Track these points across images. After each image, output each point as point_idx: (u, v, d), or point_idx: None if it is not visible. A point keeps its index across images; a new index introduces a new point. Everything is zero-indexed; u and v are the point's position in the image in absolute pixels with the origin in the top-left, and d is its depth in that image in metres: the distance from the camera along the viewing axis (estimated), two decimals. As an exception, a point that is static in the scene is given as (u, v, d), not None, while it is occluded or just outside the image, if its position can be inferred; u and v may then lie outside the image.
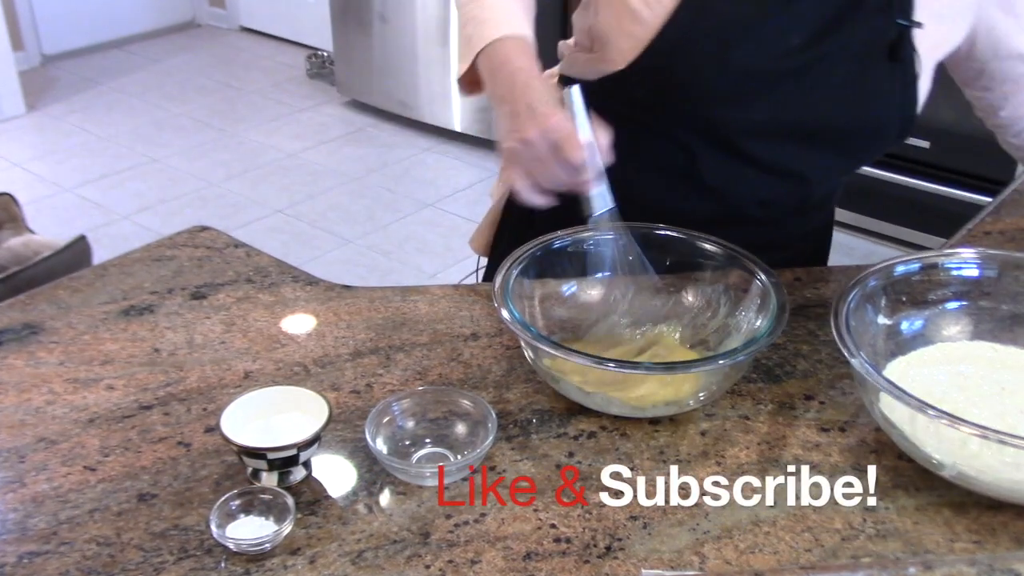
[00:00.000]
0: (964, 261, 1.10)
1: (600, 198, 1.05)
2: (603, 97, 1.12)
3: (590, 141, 1.01)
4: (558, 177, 1.02)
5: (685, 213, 1.19)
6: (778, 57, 1.15)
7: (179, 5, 5.58)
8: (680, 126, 1.20)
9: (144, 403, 1.03)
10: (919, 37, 1.17)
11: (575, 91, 1.02)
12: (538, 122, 1.00)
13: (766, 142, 1.19)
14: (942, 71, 1.27)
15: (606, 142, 1.03)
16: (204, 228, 1.37)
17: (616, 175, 1.05)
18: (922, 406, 0.86)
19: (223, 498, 0.88)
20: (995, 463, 0.87)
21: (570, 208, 1.07)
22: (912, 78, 1.20)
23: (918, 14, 1.16)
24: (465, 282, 1.43)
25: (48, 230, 2.83)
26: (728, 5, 1.14)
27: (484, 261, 1.48)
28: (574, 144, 1.00)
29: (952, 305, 1.09)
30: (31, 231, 2.45)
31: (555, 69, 1.34)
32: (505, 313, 1.01)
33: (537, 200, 1.03)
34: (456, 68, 1.16)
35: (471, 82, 1.15)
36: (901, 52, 1.17)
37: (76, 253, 2.25)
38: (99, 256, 2.14)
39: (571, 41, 1.32)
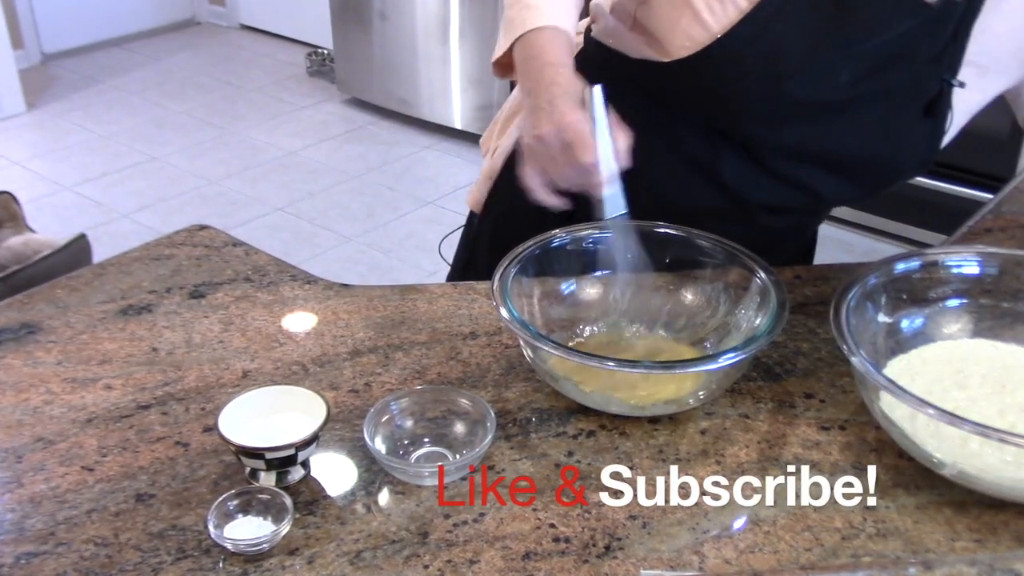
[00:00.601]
0: (965, 259, 1.10)
1: (612, 202, 1.03)
2: (639, 72, 1.11)
3: (606, 143, 1.00)
4: (569, 177, 1.01)
5: (690, 200, 1.18)
6: (824, 91, 1.14)
7: (179, 3, 5.58)
8: (710, 125, 1.20)
9: (142, 403, 1.03)
10: (957, 95, 1.18)
11: (596, 91, 1.01)
12: (554, 120, 0.99)
13: (789, 161, 1.20)
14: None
15: (624, 145, 1.01)
16: (203, 227, 1.37)
17: (633, 150, 1.03)
18: (922, 404, 0.86)
19: (221, 498, 0.88)
20: (996, 462, 0.87)
21: (575, 200, 1.05)
22: (940, 132, 1.20)
23: (963, 72, 1.16)
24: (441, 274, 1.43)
25: (48, 229, 2.83)
26: (790, 33, 1.10)
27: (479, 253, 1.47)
28: (586, 145, 0.99)
29: (953, 303, 1.09)
30: (31, 230, 2.44)
31: (586, 23, 1.32)
32: (504, 312, 1.00)
33: (549, 200, 1.03)
34: (497, 47, 1.14)
35: (505, 64, 1.14)
36: (938, 109, 1.18)
37: (76, 252, 2.24)
38: (99, 254, 2.14)
39: (605, 4, 1.28)
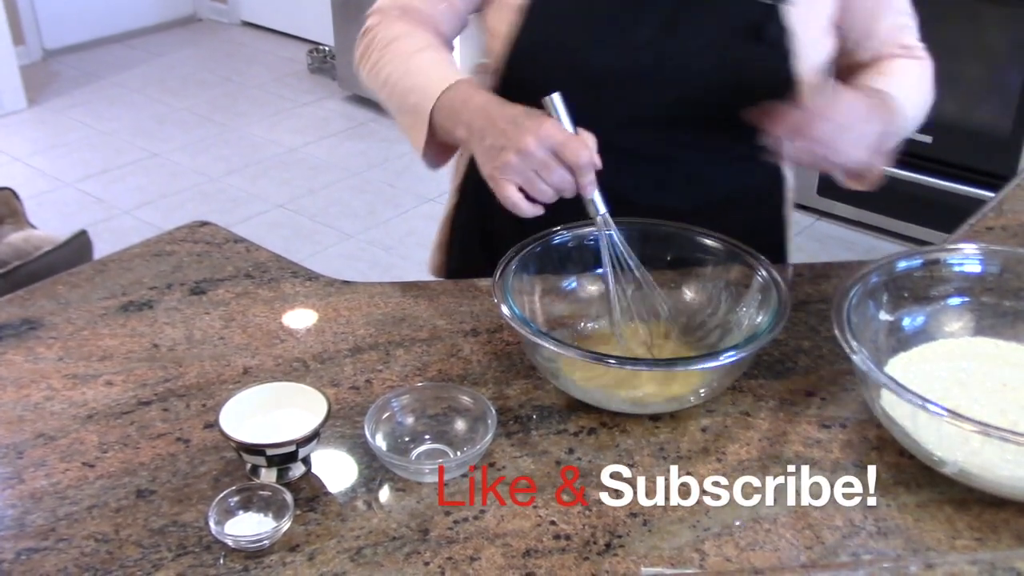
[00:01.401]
0: (966, 257, 1.10)
1: (600, 200, 1.04)
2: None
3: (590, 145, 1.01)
4: (563, 180, 1.01)
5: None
6: (629, 54, 1.16)
7: (180, 0, 5.57)
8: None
9: (143, 399, 1.03)
10: (794, 13, 1.16)
11: (557, 98, 1.02)
12: (531, 131, 1.00)
13: (637, 134, 1.19)
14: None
15: (594, 144, 1.02)
16: (204, 223, 1.37)
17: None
18: (923, 403, 0.86)
19: (222, 495, 0.88)
20: (997, 460, 0.87)
21: (525, 221, 1.06)
22: (783, 55, 1.18)
23: None
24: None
25: (49, 225, 2.83)
26: (569, 11, 1.16)
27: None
28: (577, 144, 1.00)
29: (954, 301, 1.09)
30: (32, 226, 2.44)
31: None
32: (505, 309, 1.00)
33: (534, 210, 1.03)
34: (415, 141, 1.17)
35: (437, 151, 1.18)
36: (765, 33, 1.16)
37: (77, 248, 2.24)
38: (100, 251, 2.14)
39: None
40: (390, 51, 1.21)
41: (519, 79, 1.21)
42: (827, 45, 1.24)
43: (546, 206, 1.04)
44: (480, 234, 1.38)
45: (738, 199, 1.33)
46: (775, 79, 1.19)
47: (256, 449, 0.90)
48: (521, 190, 1.02)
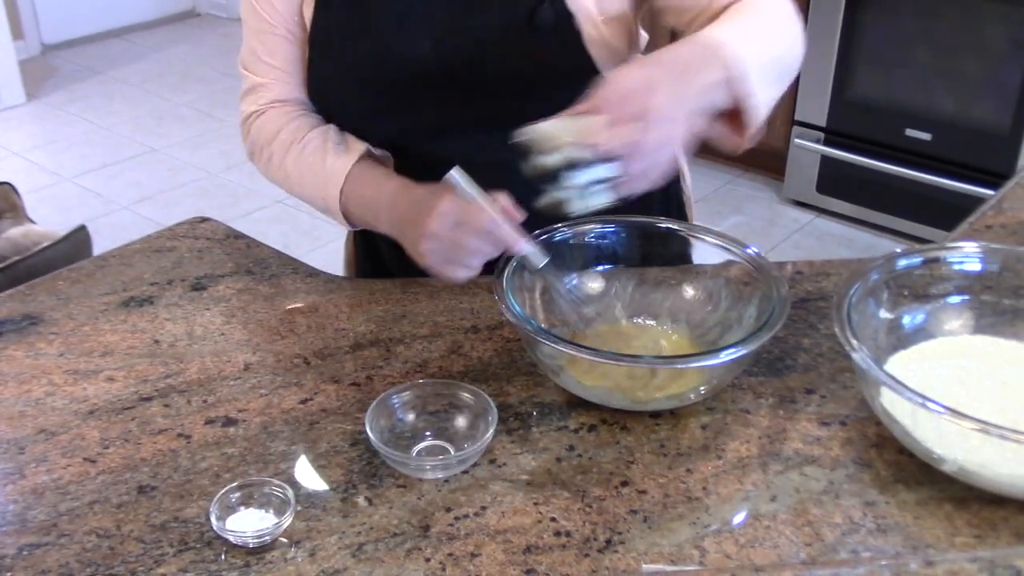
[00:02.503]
0: (966, 255, 1.10)
1: (534, 254, 1.05)
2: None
3: (492, 207, 1.02)
4: (480, 249, 1.03)
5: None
6: (413, 64, 1.16)
7: (179, -6, 5.57)
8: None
9: (144, 395, 1.03)
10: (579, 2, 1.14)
11: (455, 172, 1.03)
12: (432, 213, 1.02)
13: (447, 142, 1.19)
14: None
15: (507, 201, 1.03)
16: (204, 219, 1.37)
17: None
18: (923, 400, 0.86)
19: (223, 490, 0.88)
20: (996, 458, 0.87)
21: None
22: (571, 36, 1.15)
23: None
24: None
25: (48, 220, 2.83)
26: (346, 35, 1.17)
27: None
28: (475, 211, 1.01)
29: (954, 299, 1.09)
30: (31, 221, 2.44)
31: None
32: (506, 306, 1.00)
33: (472, 275, 1.06)
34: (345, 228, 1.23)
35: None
36: (537, 19, 1.13)
37: (76, 243, 2.24)
38: (99, 246, 2.14)
39: None
40: (275, 148, 1.23)
41: (327, 104, 1.24)
42: (621, 23, 1.19)
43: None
44: (373, 257, 1.41)
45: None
46: (568, 64, 1.17)
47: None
48: None
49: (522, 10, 1.14)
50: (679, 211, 1.41)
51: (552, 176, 0.97)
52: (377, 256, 1.39)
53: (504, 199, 1.03)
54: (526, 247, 1.04)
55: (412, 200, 1.09)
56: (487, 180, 1.05)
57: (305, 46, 1.22)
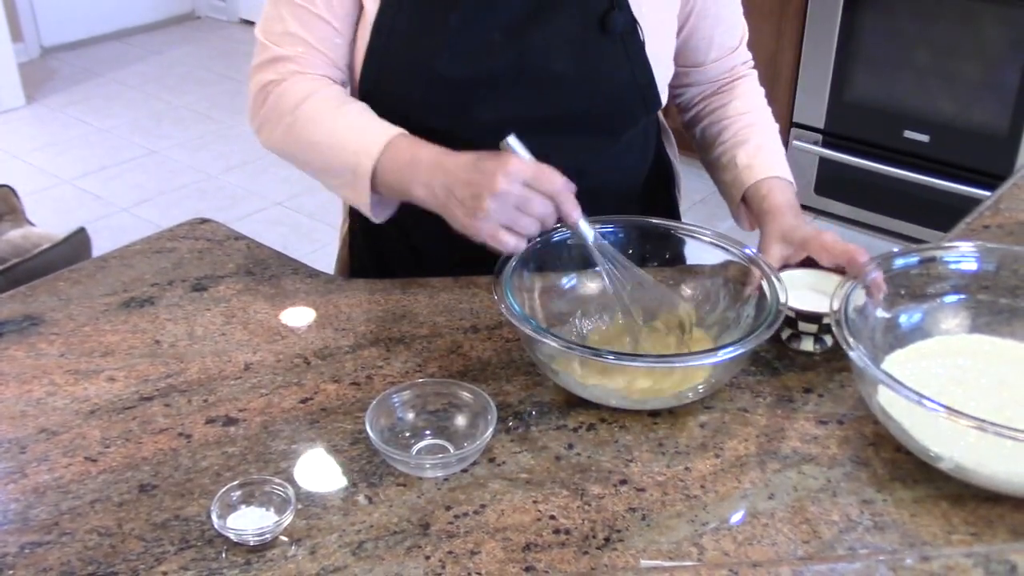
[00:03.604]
0: (963, 255, 1.11)
1: (589, 228, 1.05)
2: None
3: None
4: (544, 211, 1.02)
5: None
6: (483, 59, 1.16)
7: (179, -3, 5.58)
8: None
9: (145, 394, 1.03)
10: (637, 5, 1.18)
11: (512, 139, 1.03)
12: (498, 171, 1.00)
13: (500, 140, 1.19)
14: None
15: (561, 174, 1.02)
16: (204, 220, 1.37)
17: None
18: (920, 399, 0.87)
19: (224, 489, 0.88)
20: (993, 455, 0.88)
21: (417, 247, 1.09)
22: (637, 46, 1.19)
23: None
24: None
25: (47, 222, 2.83)
26: (416, 22, 1.16)
27: None
28: (549, 172, 1.01)
29: (950, 298, 1.09)
30: (30, 223, 2.45)
31: None
32: (505, 306, 1.01)
33: (523, 245, 1.03)
34: (355, 199, 1.16)
35: (382, 205, 1.17)
36: (611, 23, 1.16)
37: (75, 245, 2.25)
38: (98, 248, 2.14)
39: None
40: (305, 111, 1.17)
41: (379, 94, 1.20)
42: (672, 39, 1.25)
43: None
44: (374, 261, 1.39)
45: (622, 194, 1.34)
46: (630, 71, 1.20)
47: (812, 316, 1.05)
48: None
49: (593, 14, 1.16)
50: (669, 209, 1.45)
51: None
52: (380, 257, 1.39)
53: (553, 168, 1.02)
54: (582, 221, 1.04)
55: (465, 162, 1.05)
56: None
57: (344, 29, 1.19)
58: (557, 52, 1.17)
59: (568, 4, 1.17)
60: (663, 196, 1.44)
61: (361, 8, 1.18)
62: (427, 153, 1.09)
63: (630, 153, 1.33)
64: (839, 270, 1.09)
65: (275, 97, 1.19)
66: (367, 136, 1.13)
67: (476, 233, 1.02)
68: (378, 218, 1.18)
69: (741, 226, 1.31)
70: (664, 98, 1.26)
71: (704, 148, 1.36)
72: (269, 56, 1.20)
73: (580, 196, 1.12)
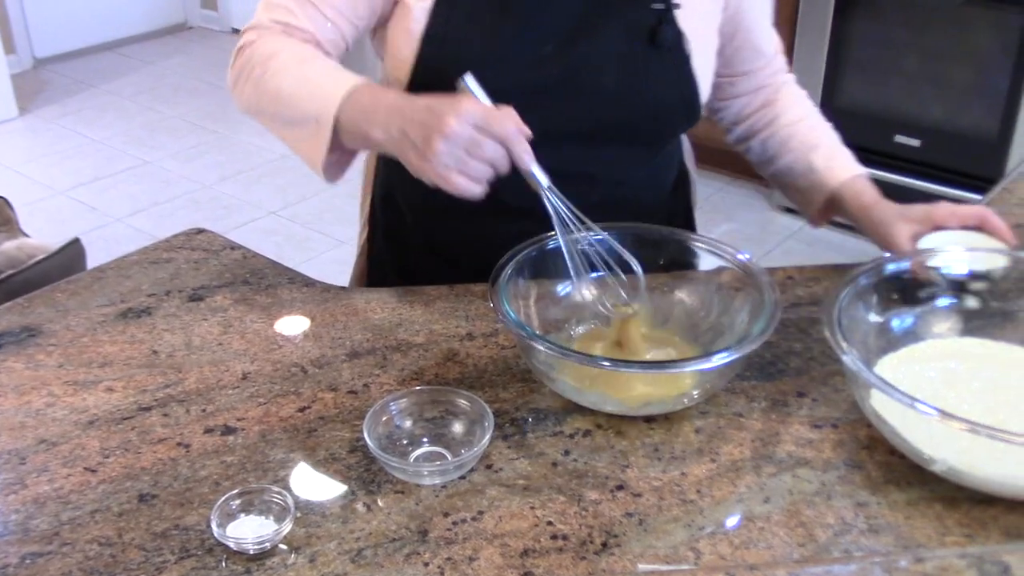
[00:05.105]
0: (954, 259, 1.12)
1: (540, 171, 1.03)
2: None
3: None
4: (496, 153, 0.99)
5: (497, 238, 1.13)
6: (533, 69, 1.17)
7: (171, 7, 5.58)
8: None
9: (143, 404, 1.04)
10: (683, 18, 1.19)
11: (469, 77, 1.01)
12: (450, 112, 0.98)
13: (555, 151, 1.16)
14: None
15: (516, 115, 1.00)
16: (200, 230, 1.38)
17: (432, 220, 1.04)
18: (912, 402, 0.88)
19: (223, 498, 0.89)
20: (985, 458, 0.89)
21: (443, 255, 1.07)
22: (683, 59, 1.21)
23: None
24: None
25: (41, 233, 2.83)
26: (469, 32, 1.16)
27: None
28: (500, 115, 0.98)
29: (942, 302, 1.10)
30: (25, 234, 2.45)
31: None
32: (501, 313, 1.01)
33: (476, 189, 1.01)
34: (312, 151, 1.16)
35: (336, 161, 1.17)
36: (660, 36, 1.18)
37: (70, 256, 2.25)
38: (93, 259, 2.14)
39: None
40: (275, 63, 1.16)
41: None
42: (714, 52, 1.27)
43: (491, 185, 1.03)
44: (396, 269, 1.39)
45: (654, 204, 1.36)
46: (676, 84, 1.22)
47: None
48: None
49: (642, 28, 1.18)
50: (686, 216, 1.47)
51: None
52: (402, 265, 1.38)
53: (513, 112, 1.00)
54: (535, 166, 1.02)
55: (421, 104, 1.03)
56: (576, 194, 1.07)
57: (338, 21, 1.20)
58: (605, 65, 1.18)
59: (617, 18, 1.18)
60: (682, 202, 1.46)
61: (387, 16, 1.20)
62: (388, 98, 1.09)
63: (665, 163, 1.35)
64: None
65: (249, 51, 1.19)
66: (332, 84, 1.12)
67: (427, 175, 1.01)
68: (330, 178, 1.18)
69: (816, 226, 1.40)
70: (703, 111, 1.28)
71: (768, 159, 1.39)
72: (253, 23, 1.21)
73: (617, 205, 1.14)
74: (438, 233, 1.31)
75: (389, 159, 1.20)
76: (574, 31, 1.17)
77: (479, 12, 1.17)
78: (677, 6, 1.19)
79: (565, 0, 1.17)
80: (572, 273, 1.07)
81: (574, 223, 1.07)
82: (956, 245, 1.12)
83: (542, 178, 1.04)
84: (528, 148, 1.01)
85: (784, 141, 1.35)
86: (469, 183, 1.00)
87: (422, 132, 1.00)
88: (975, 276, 1.10)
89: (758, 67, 1.36)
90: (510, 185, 1.04)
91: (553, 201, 1.05)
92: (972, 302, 1.10)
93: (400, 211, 1.36)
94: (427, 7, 1.17)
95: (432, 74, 1.18)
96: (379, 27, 1.25)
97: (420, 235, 1.27)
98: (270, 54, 1.17)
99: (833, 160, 1.32)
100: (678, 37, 1.20)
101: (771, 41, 1.36)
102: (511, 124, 0.99)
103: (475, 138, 0.98)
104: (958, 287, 1.09)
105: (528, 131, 1.01)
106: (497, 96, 1.14)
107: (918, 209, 1.19)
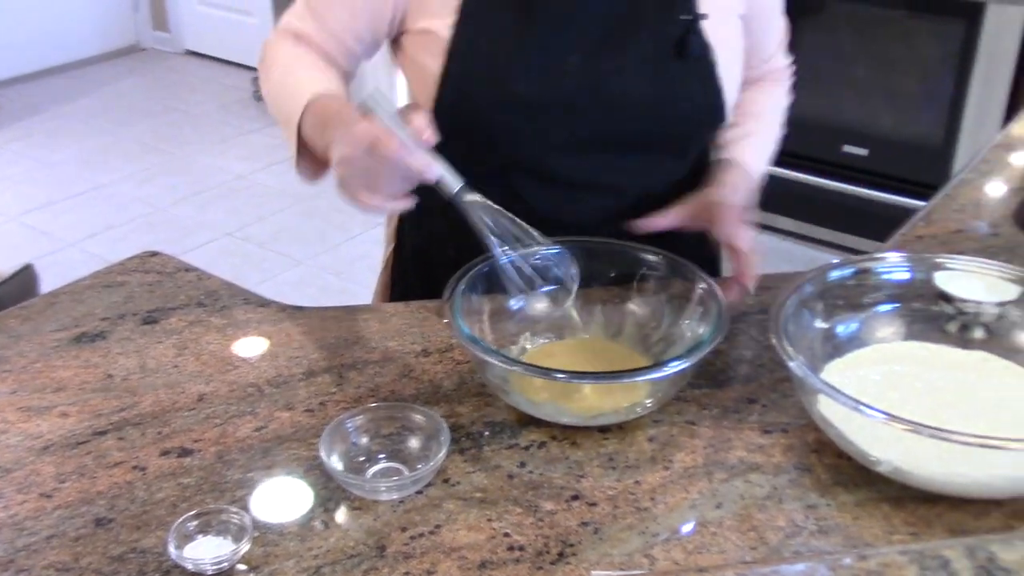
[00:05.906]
0: (895, 265, 1.14)
1: (446, 179, 1.02)
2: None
3: (403, 132, 0.98)
4: (392, 176, 0.99)
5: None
6: (560, 80, 1.18)
7: (122, 29, 5.54)
8: (496, 165, 1.22)
9: (98, 429, 1.04)
10: (710, 28, 1.21)
11: (376, 92, 1.00)
12: (339, 141, 1.01)
13: (580, 162, 1.22)
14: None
15: (422, 122, 0.98)
16: (154, 253, 1.38)
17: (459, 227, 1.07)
18: (858, 405, 0.90)
19: (180, 519, 0.89)
20: (929, 458, 0.91)
21: (465, 251, 1.09)
22: (710, 69, 1.23)
23: (703, 5, 1.20)
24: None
25: (-7, 259, 2.79)
26: (494, 45, 1.18)
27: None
28: (384, 138, 0.96)
29: (885, 308, 1.13)
30: (-24, 261, 2.42)
31: None
32: (455, 328, 1.03)
33: (397, 205, 1.02)
34: (290, 151, 1.19)
35: (312, 164, 1.18)
36: (688, 48, 1.20)
37: (22, 282, 2.23)
38: (47, 285, 2.12)
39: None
40: (276, 65, 1.24)
41: (452, 115, 1.19)
42: (740, 59, 1.29)
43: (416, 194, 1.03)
44: (421, 283, 1.39)
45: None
46: (703, 94, 1.24)
47: None
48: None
49: (669, 38, 1.19)
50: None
51: None
52: (429, 278, 1.34)
53: (418, 119, 0.98)
54: (438, 171, 1.00)
55: (335, 123, 1.05)
56: (599, 203, 1.10)
57: (353, 50, 1.24)
58: (633, 75, 1.20)
59: (644, 28, 1.19)
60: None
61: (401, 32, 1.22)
62: (335, 108, 1.10)
63: (692, 172, 1.37)
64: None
65: (264, 52, 1.28)
66: (303, 90, 1.15)
67: (342, 196, 1.02)
68: (305, 179, 1.20)
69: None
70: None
71: None
72: (279, 25, 1.28)
73: (644, 212, 1.17)
74: (464, 254, 1.30)
75: None
76: (600, 42, 1.18)
77: (504, 26, 1.18)
78: (704, 16, 1.20)
79: (591, 12, 1.19)
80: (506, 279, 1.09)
81: (511, 230, 1.07)
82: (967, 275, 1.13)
83: (454, 185, 1.03)
84: (427, 159, 0.99)
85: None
86: (382, 201, 1.01)
87: (332, 156, 1.03)
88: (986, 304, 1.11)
89: (753, 65, 1.36)
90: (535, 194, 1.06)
91: (467, 206, 1.05)
92: (979, 333, 1.11)
93: (429, 227, 1.35)
94: (450, 23, 1.18)
95: (458, 89, 1.19)
96: (397, 47, 1.27)
97: (450, 246, 1.25)
98: (275, 58, 1.25)
99: (734, 143, 1.32)
100: (704, 48, 1.21)
101: (773, 40, 1.38)
102: (392, 148, 0.96)
103: (368, 167, 0.98)
104: (971, 317, 1.11)
105: (432, 137, 0.99)
106: (523, 108, 1.18)
107: (715, 196, 1.22)
